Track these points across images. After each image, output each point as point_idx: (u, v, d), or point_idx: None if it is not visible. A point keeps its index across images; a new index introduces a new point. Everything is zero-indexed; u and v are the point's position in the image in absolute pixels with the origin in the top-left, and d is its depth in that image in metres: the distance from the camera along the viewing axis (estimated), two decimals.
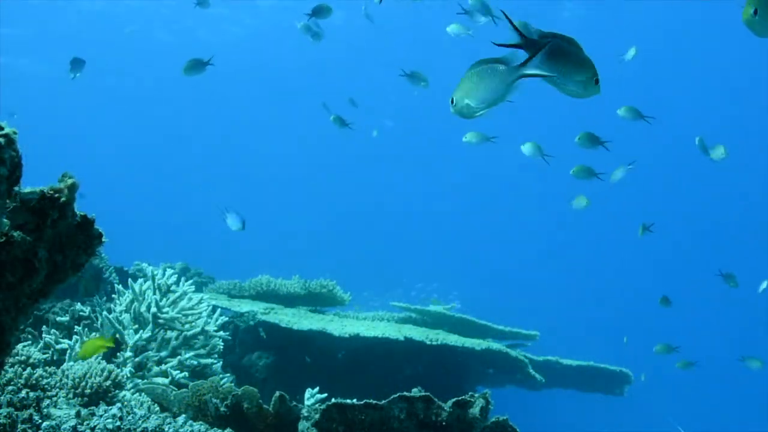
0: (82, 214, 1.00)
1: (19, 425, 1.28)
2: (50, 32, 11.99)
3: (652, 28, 10.93)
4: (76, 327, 2.27)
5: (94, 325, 2.33)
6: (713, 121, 13.41)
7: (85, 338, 2.15)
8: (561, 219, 18.20)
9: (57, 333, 2.19)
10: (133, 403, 1.82)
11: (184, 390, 1.83)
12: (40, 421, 1.32)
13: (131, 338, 2.25)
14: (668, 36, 11.36)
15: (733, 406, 12.24)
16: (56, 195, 0.94)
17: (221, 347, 2.51)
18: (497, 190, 18.80)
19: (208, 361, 2.40)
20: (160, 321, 2.35)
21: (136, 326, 2.34)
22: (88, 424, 1.35)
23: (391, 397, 1.52)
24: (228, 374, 2.86)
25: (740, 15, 1.42)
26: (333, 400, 1.54)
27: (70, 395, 1.74)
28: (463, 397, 1.57)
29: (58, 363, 2.01)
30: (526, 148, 3.32)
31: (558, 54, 1.19)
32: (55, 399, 1.70)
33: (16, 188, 0.90)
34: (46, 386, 1.74)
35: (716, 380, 12.79)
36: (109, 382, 1.82)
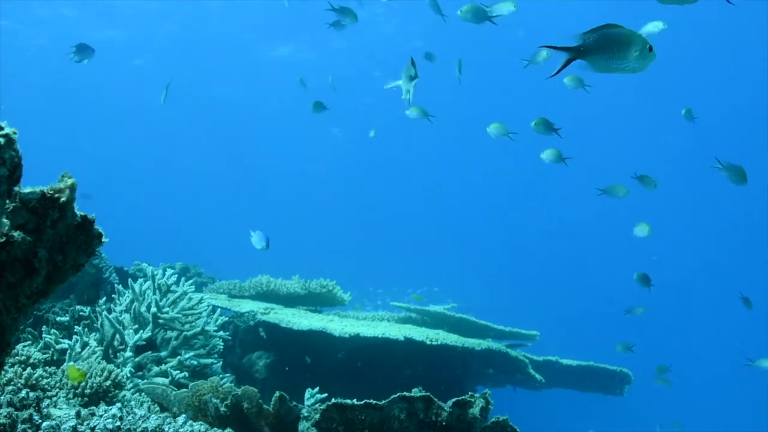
0: (82, 214, 1.00)
1: (19, 425, 1.28)
2: (52, 28, 11.98)
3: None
4: (76, 327, 2.27)
5: (94, 325, 2.33)
6: (722, 121, 13.40)
7: (85, 338, 2.15)
8: (561, 219, 18.21)
9: (57, 333, 2.19)
10: (133, 403, 1.82)
11: (184, 390, 1.83)
12: (40, 421, 1.32)
13: (131, 338, 2.25)
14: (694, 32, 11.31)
15: (733, 407, 12.25)
16: (56, 195, 0.94)
17: (221, 347, 2.51)
18: (497, 191, 18.81)
19: (208, 361, 2.40)
20: (160, 321, 2.35)
21: (136, 326, 2.34)
22: (88, 424, 1.35)
23: (391, 397, 1.52)
24: (228, 374, 2.86)
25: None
26: (333, 400, 1.54)
27: (70, 395, 1.74)
28: (463, 397, 1.56)
29: (58, 363, 2.01)
30: (492, 129, 3.38)
31: (605, 43, 1.24)
32: (55, 399, 1.70)
33: (16, 188, 0.90)
34: (46, 386, 1.74)
35: (716, 381, 12.80)
36: (109, 382, 1.82)
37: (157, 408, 1.85)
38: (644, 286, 3.69)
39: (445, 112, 15.55)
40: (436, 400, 1.53)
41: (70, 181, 0.95)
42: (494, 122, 3.39)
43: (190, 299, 2.47)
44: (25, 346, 2.00)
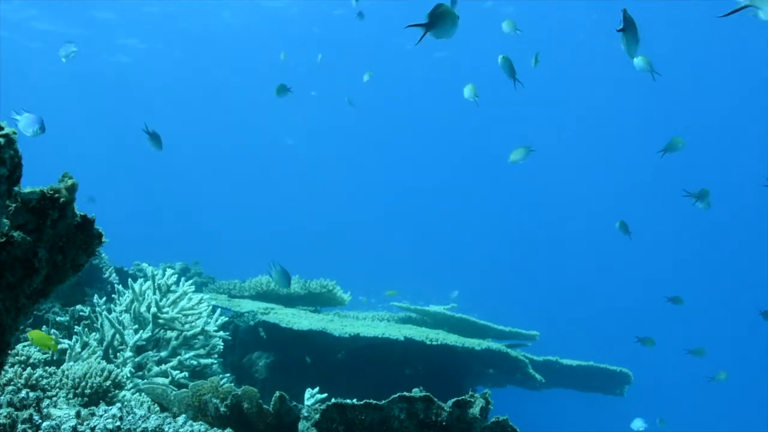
0: (82, 214, 1.00)
1: (19, 425, 1.28)
2: (56, 28, 11.97)
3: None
4: (76, 327, 2.27)
5: (94, 325, 2.33)
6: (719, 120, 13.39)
7: (85, 338, 2.15)
8: (562, 219, 18.20)
9: (57, 333, 2.19)
10: (133, 403, 1.82)
11: (184, 390, 1.83)
12: (40, 421, 1.32)
13: (131, 338, 2.25)
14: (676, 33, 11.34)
15: (733, 407, 12.25)
16: (56, 195, 0.94)
17: (221, 347, 2.51)
18: (497, 192, 18.81)
19: (208, 361, 2.40)
20: (160, 321, 2.35)
21: (136, 326, 2.34)
22: (88, 424, 1.35)
23: (391, 397, 1.52)
24: (228, 374, 2.86)
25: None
26: (333, 400, 1.54)
27: (70, 395, 1.74)
28: (463, 397, 1.56)
29: (58, 363, 2.01)
30: (466, 91, 3.45)
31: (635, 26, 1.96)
32: (55, 399, 1.70)
33: (16, 188, 0.90)
34: (46, 386, 1.74)
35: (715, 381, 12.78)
36: (109, 382, 1.82)
37: (157, 408, 1.85)
38: (624, 234, 3.69)
39: (449, 113, 15.51)
40: (436, 400, 1.53)
41: (70, 182, 0.95)
42: (469, 84, 3.44)
43: (190, 299, 2.47)
44: (25, 346, 2.00)
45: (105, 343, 2.21)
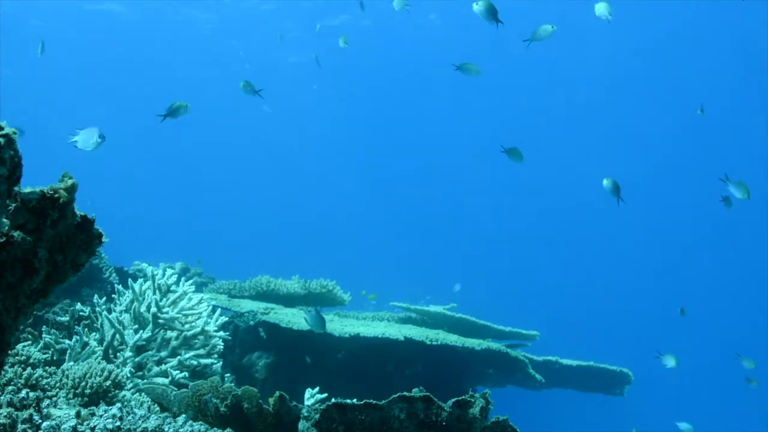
0: (82, 214, 1.00)
1: (19, 425, 1.28)
2: (58, 29, 11.94)
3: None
4: (76, 327, 2.27)
5: (94, 325, 2.33)
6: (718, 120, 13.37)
7: (85, 338, 2.15)
8: (563, 220, 18.20)
9: (57, 333, 2.19)
10: (133, 403, 1.82)
11: (184, 390, 1.83)
12: (40, 421, 1.32)
13: (131, 338, 2.25)
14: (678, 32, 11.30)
15: (733, 408, 12.25)
16: (56, 195, 0.94)
17: (221, 347, 2.51)
18: (497, 192, 18.80)
19: (208, 361, 2.40)
20: (160, 321, 2.35)
21: (136, 326, 2.34)
22: (88, 424, 1.35)
23: (391, 397, 1.52)
24: (228, 374, 2.86)
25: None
26: (333, 400, 1.54)
27: (70, 395, 1.74)
28: (463, 397, 1.56)
29: (58, 363, 2.01)
30: (471, 69, 3.53)
31: None
32: (55, 399, 1.70)
33: (16, 188, 0.90)
34: (46, 386, 1.74)
35: (715, 380, 12.80)
36: (109, 382, 1.82)
37: (157, 408, 1.85)
38: (613, 196, 3.47)
39: (448, 110, 15.43)
40: (436, 400, 1.53)
41: (70, 182, 0.95)
42: (470, 63, 3.48)
43: (190, 299, 2.47)
44: (25, 346, 2.00)
45: (105, 343, 2.21)
